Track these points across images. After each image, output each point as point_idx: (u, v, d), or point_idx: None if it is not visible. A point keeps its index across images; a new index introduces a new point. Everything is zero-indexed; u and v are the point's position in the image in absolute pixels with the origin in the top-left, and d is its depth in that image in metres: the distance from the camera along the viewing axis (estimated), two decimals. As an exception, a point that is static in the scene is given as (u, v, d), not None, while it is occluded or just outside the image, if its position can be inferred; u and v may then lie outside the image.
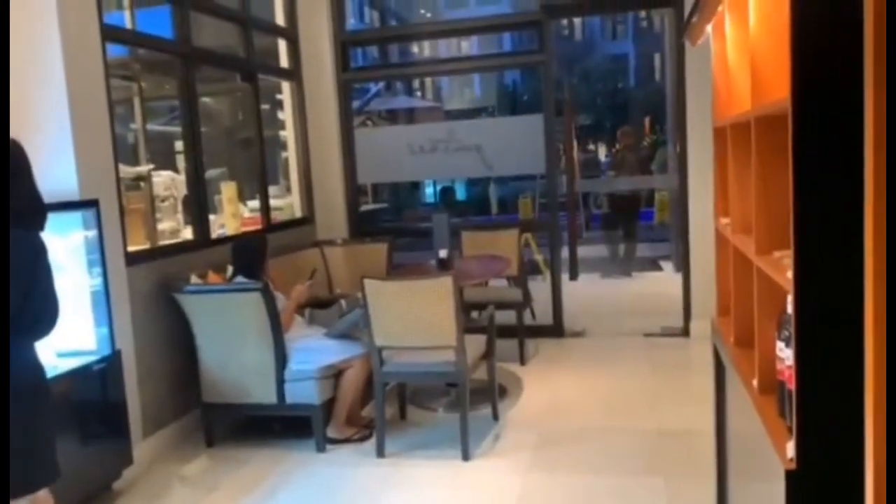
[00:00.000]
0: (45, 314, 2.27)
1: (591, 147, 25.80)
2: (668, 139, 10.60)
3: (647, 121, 21.71)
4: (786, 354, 1.52)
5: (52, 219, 2.42)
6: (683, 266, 5.83)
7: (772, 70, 1.63)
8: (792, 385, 1.39)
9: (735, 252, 2.13)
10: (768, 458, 1.51)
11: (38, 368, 2.33)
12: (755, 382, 1.80)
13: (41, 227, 2.29)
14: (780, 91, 1.48)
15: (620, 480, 3.45)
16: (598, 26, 32.81)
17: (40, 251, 2.27)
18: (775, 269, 1.57)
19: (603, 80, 27.64)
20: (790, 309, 1.39)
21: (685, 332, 5.77)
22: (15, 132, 2.31)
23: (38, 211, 2.29)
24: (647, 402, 4.48)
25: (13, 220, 2.17)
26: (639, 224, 9.29)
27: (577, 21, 31.47)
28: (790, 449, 1.38)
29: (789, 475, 1.35)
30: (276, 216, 5.82)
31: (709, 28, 2.48)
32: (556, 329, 6.04)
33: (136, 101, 5.24)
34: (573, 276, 8.59)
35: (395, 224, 11.34)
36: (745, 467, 2.11)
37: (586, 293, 7.76)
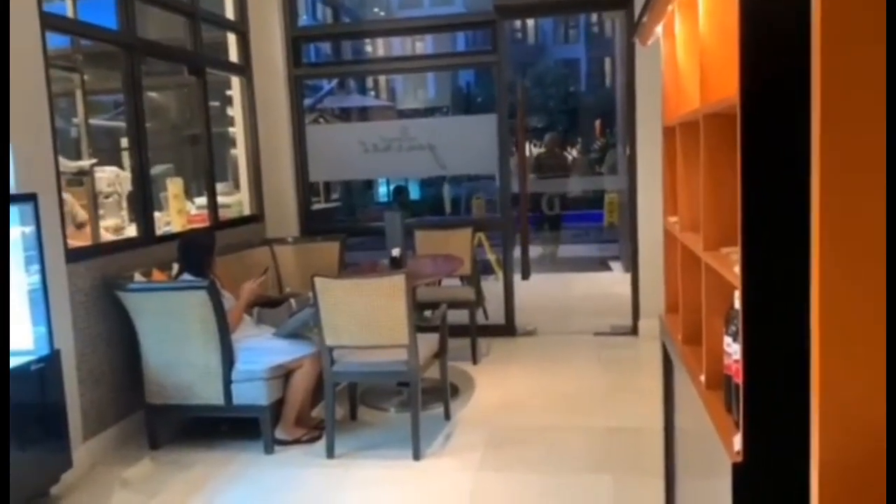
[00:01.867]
0: None
1: (558, 150, 26.00)
2: (617, 141, 10.76)
3: (597, 123, 22.01)
4: (733, 349, 1.54)
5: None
6: (632, 266, 5.92)
7: (720, 68, 1.65)
8: (739, 379, 1.41)
9: (683, 250, 2.16)
10: (715, 453, 1.52)
11: None
12: (703, 378, 1.82)
13: None
14: (728, 89, 1.50)
15: (570, 478, 3.47)
16: (551, 30, 33.15)
17: None
18: (723, 265, 1.59)
19: (555, 84, 27.92)
20: (738, 304, 1.41)
21: (634, 330, 5.86)
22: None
23: None
24: (597, 400, 4.52)
25: None
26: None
27: (530, 24, 31.76)
28: (737, 442, 1.39)
29: (736, 468, 1.36)
30: (225, 213, 5.70)
31: (659, 28, 2.51)
32: (508, 328, 6.06)
33: (79, 94, 5.08)
34: (525, 276, 8.66)
35: (348, 223, 11.25)
36: (692, 463, 2.14)
37: (538, 293, 7.82)
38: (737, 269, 1.38)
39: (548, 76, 28.04)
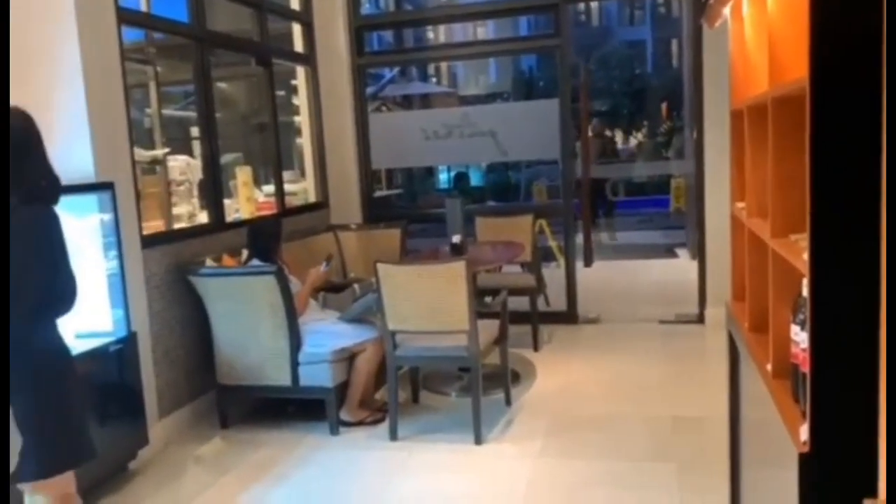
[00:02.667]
0: (69, 290, 2.27)
1: (608, 133, 25.63)
2: (685, 125, 10.51)
3: (664, 107, 21.53)
4: (800, 338, 1.51)
5: (69, 200, 2.43)
6: (699, 253, 5.79)
7: (790, 50, 1.61)
8: (806, 368, 1.38)
9: (750, 236, 2.11)
10: (782, 443, 1.50)
11: (64, 348, 2.34)
12: (769, 367, 1.79)
13: (57, 201, 2.27)
14: (797, 71, 1.46)
15: (632, 467, 3.45)
16: (616, 12, 32.48)
17: (60, 225, 2.25)
18: (791, 252, 1.56)
19: (620, 66, 27.34)
20: (805, 292, 1.38)
21: (700, 319, 5.74)
22: (31, 114, 2.32)
23: (55, 183, 2.27)
24: (660, 388, 4.46)
25: (30, 196, 2.16)
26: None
27: (594, 6, 31.17)
28: (804, 432, 1.37)
29: (802, 458, 1.34)
30: (291, 201, 5.83)
31: (727, 9, 2.45)
32: (569, 315, 6.02)
33: (152, 86, 5.27)
34: (588, 263, 8.58)
35: (409, 210, 11.34)
36: (758, 452, 2.10)
37: (601, 280, 7.74)
38: (805, 256, 1.35)
39: (612, 59, 27.50)
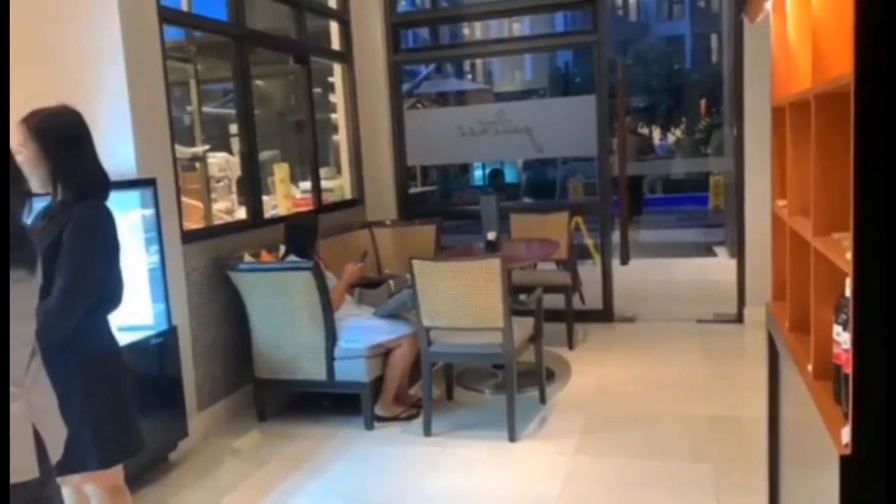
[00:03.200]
0: (120, 286, 2.32)
1: (644, 130, 25.37)
2: (724, 121, 10.35)
3: (703, 103, 21.23)
4: (843, 338, 1.48)
5: (112, 196, 2.47)
6: (738, 251, 5.71)
7: (834, 45, 1.57)
8: (849, 369, 1.35)
9: (792, 234, 2.07)
10: (823, 445, 1.47)
11: (115, 342, 2.38)
12: (810, 367, 1.76)
13: (107, 197, 2.30)
14: (842, 67, 1.43)
15: (668, 466, 3.42)
16: (654, 6, 32.10)
17: (114, 222, 2.27)
18: (834, 251, 1.53)
19: (658, 62, 27.01)
20: (848, 292, 1.35)
21: (739, 318, 5.66)
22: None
23: (105, 179, 2.30)
24: (698, 388, 4.41)
25: (83, 191, 2.19)
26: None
27: (631, 1, 30.86)
28: (845, 434, 1.34)
29: (844, 461, 1.31)
30: (327, 197, 5.89)
31: (768, 4, 2.40)
32: (605, 314, 5.98)
33: (192, 84, 5.35)
34: (624, 261, 8.50)
35: (444, 206, 11.36)
36: (798, 454, 2.07)
37: (638, 278, 7.67)
38: (848, 255, 1.33)
39: (650, 54, 27.19)
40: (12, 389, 1.69)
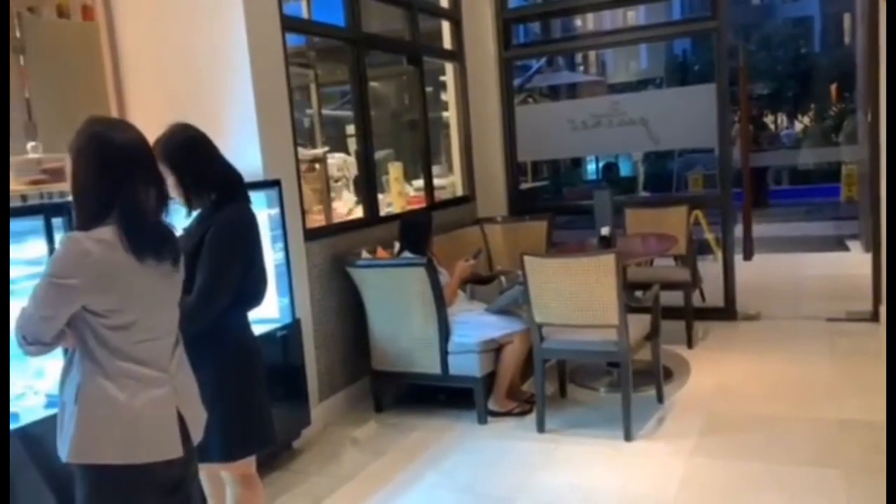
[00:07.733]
0: (262, 285, 2.44)
1: (770, 118, 24.11)
2: (857, 107, 9.70)
3: (833, 88, 19.94)
4: None
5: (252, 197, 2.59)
6: (873, 245, 5.35)
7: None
8: None
9: (932, 228, 1.94)
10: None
11: (253, 338, 2.50)
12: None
13: (246, 196, 2.41)
14: None
15: (791, 470, 3.26)
16: (779, -13, 30.35)
17: (256, 222, 2.40)
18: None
19: (784, 46, 25.52)
20: None
21: (874, 317, 5.30)
22: (207, 119, 2.53)
23: (235, 176, 2.41)
24: (826, 390, 4.18)
25: (220, 195, 2.32)
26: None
27: (754, -17, 29.35)
28: None
29: None
30: (439, 195, 5.98)
31: (906, -18, 2.24)
32: (727, 311, 5.76)
33: (312, 88, 5.58)
34: (747, 256, 8.15)
35: (555, 201, 11.25)
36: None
37: (762, 274, 7.33)
38: None
39: (775, 38, 25.73)
40: (157, 374, 1.85)
